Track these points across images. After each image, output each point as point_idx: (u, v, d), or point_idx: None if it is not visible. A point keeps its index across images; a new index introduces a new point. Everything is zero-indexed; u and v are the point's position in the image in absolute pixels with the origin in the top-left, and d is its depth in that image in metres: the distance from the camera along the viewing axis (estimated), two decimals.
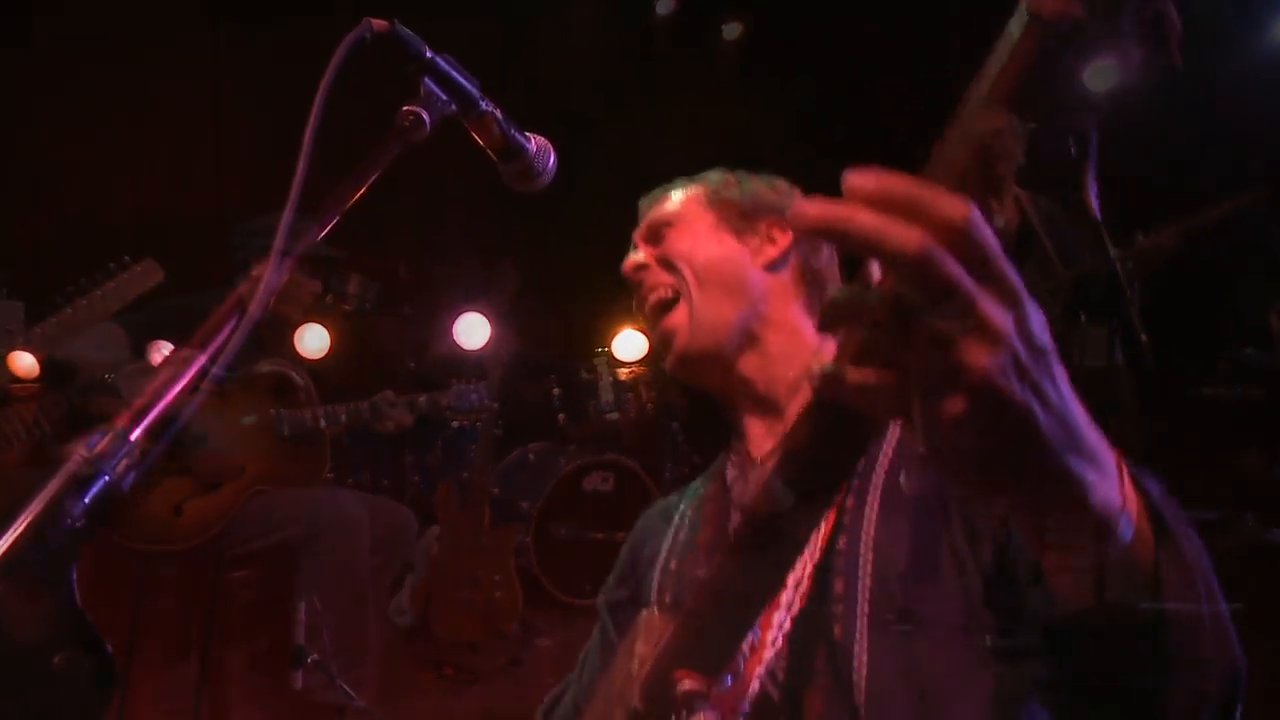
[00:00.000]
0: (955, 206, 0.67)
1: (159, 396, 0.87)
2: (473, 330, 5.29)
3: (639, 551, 1.69)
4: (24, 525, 0.74)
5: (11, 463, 4.57)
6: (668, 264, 1.64)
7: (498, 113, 1.44)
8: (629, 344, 5.48)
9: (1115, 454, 0.84)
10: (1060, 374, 0.74)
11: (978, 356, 0.67)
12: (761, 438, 1.55)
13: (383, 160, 1.25)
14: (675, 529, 1.63)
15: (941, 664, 1.20)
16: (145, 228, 4.96)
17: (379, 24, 1.32)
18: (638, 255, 1.68)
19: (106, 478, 0.81)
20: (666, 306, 1.62)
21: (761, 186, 1.69)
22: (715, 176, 1.73)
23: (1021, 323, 0.69)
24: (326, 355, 5.28)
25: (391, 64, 1.37)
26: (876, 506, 1.31)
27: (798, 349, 1.55)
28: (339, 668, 3.47)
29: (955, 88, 0.77)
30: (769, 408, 1.55)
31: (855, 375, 0.71)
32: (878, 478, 1.34)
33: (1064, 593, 0.92)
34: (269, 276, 0.99)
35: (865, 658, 1.22)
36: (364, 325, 5.37)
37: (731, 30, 6.25)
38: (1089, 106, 0.75)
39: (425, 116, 1.31)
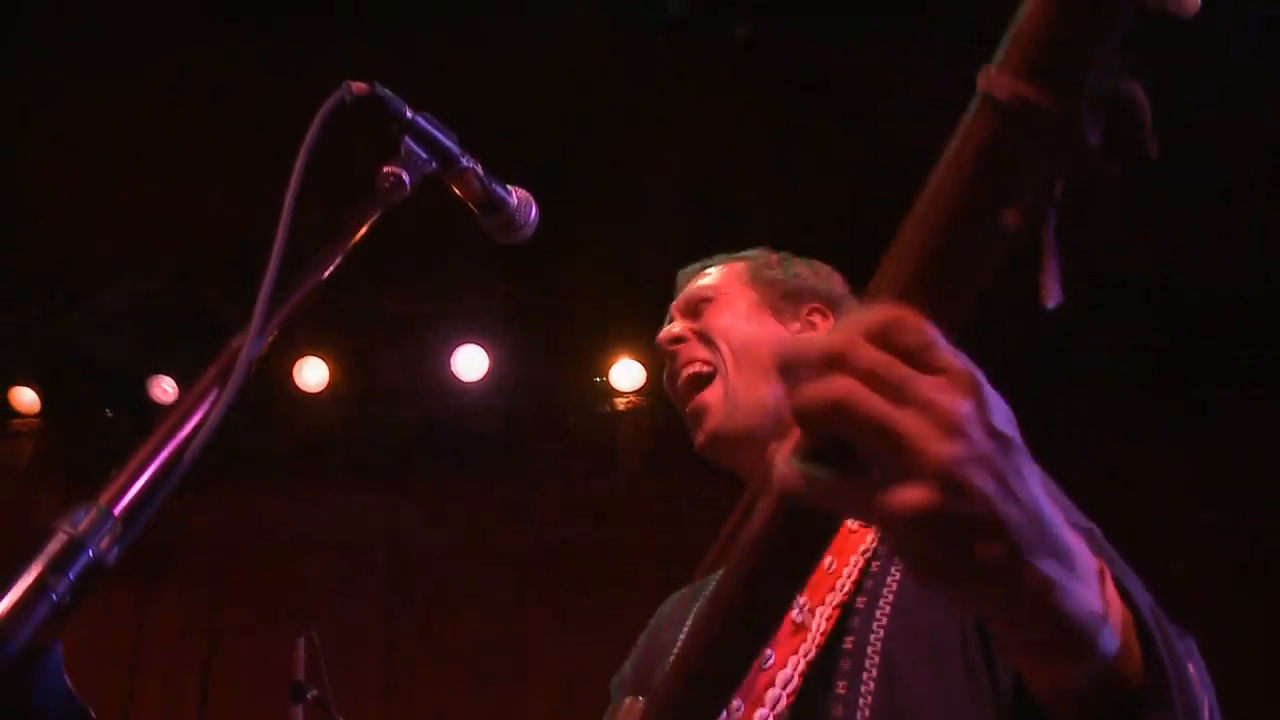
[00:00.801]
0: (875, 315, 0.66)
1: (140, 470, 0.92)
2: (471, 362, 5.31)
3: (655, 637, 1.66)
4: (8, 608, 0.78)
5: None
6: (706, 339, 1.63)
7: (478, 168, 1.46)
8: (626, 374, 5.42)
9: (1098, 561, 0.80)
10: (1030, 468, 0.70)
11: (935, 445, 0.65)
12: None
13: (364, 222, 1.29)
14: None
15: None
16: (148, 243, 4.99)
17: (359, 87, 1.36)
18: (675, 327, 1.67)
19: (90, 554, 0.85)
20: (702, 382, 1.60)
21: (804, 269, 1.69)
22: (758, 254, 1.73)
23: (981, 411, 0.67)
24: (325, 389, 5.35)
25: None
26: (889, 610, 1.26)
27: None
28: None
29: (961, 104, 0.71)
30: None
31: (815, 473, 0.68)
32: (893, 579, 1.29)
33: (1047, 710, 0.86)
34: (248, 351, 1.03)
35: None
36: (364, 358, 5.43)
37: (743, 28, 6.16)
38: (1048, 195, 0.68)
39: (405, 177, 1.34)
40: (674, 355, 1.65)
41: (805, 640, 1.25)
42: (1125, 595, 0.84)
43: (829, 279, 1.72)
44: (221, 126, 4.53)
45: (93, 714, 0.79)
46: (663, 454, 5.25)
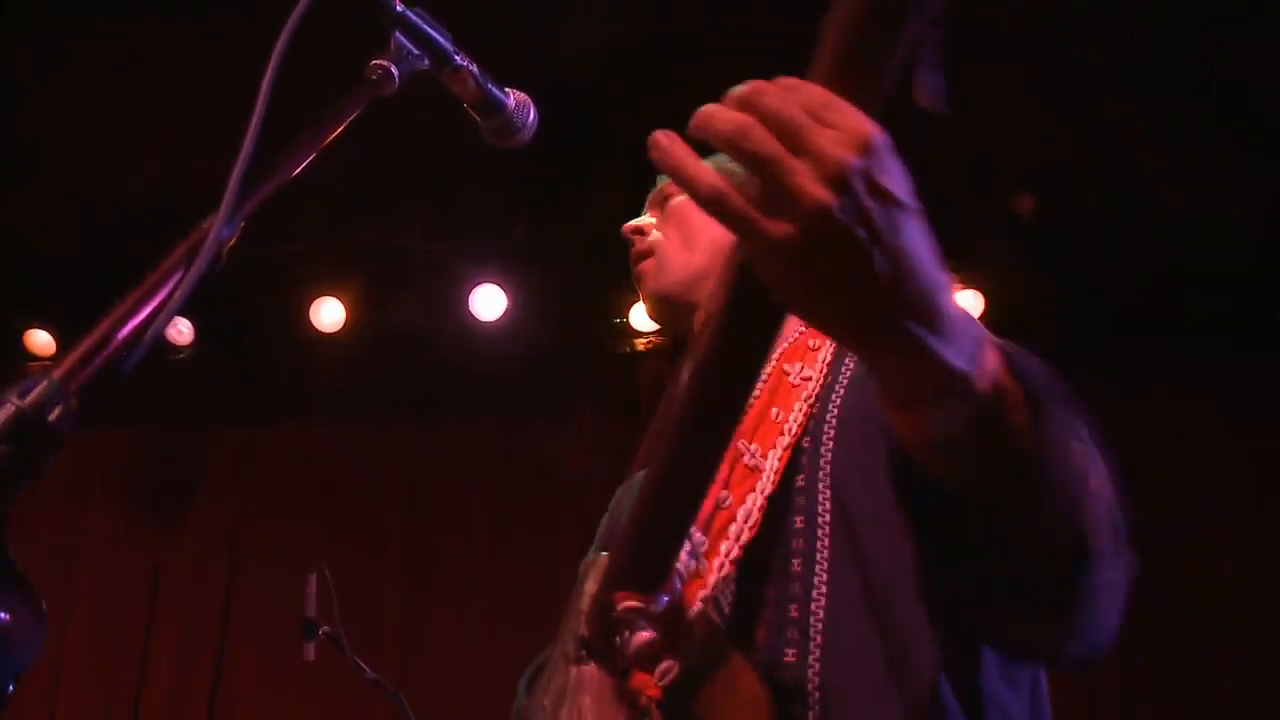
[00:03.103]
0: (781, 80, 0.76)
1: (99, 346, 0.88)
2: (489, 302, 5.30)
3: (619, 519, 1.74)
4: None
5: None
6: (665, 222, 1.77)
7: (473, 67, 1.42)
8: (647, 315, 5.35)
9: (984, 333, 0.86)
10: (914, 231, 0.76)
11: (812, 187, 0.71)
12: None
13: (348, 113, 1.24)
14: None
15: (901, 600, 1.22)
16: (148, 206, 4.96)
17: None
18: (640, 219, 1.83)
19: (39, 425, 0.81)
20: (643, 257, 1.78)
21: None
22: (724, 157, 1.79)
23: (870, 168, 0.72)
24: (341, 329, 5.33)
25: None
26: (832, 447, 1.33)
27: None
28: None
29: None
30: None
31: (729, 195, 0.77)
32: (832, 418, 1.36)
33: (916, 458, 0.94)
34: (217, 231, 0.99)
35: (826, 589, 1.25)
36: (381, 298, 5.40)
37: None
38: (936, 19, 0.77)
39: (394, 70, 1.29)
40: (632, 243, 1.81)
41: (760, 479, 1.31)
42: (1016, 372, 0.90)
43: None
44: (258, 67, 4.46)
45: (35, 588, 0.76)
46: None
